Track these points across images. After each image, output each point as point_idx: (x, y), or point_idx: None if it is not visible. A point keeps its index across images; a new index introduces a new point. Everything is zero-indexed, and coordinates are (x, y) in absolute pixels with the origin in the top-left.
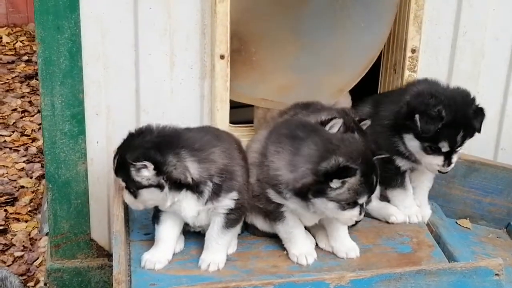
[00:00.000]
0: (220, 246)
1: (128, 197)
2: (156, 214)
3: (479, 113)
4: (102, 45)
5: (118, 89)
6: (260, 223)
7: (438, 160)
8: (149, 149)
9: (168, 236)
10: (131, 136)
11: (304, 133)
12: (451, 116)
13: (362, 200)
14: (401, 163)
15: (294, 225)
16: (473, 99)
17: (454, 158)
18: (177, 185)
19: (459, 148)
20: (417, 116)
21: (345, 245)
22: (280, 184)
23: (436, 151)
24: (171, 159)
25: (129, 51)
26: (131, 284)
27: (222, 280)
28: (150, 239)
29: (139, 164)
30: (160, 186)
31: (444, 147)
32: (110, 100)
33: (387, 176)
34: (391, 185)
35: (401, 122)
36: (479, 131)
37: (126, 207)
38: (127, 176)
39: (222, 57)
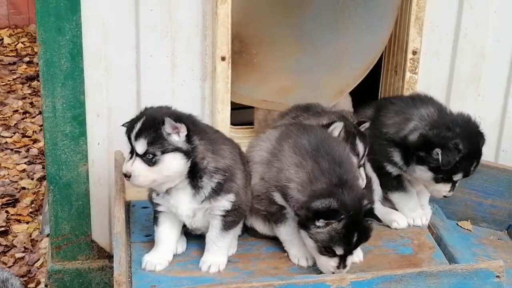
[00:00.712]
0: (220, 248)
1: (140, 166)
2: (155, 216)
3: (484, 140)
4: (103, 46)
5: (119, 91)
6: (260, 226)
7: (446, 187)
8: (182, 116)
9: (168, 237)
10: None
11: (323, 156)
12: (467, 149)
13: (338, 250)
14: (392, 169)
15: (296, 228)
16: (478, 126)
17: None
18: (191, 167)
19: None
20: (438, 151)
21: None
22: (288, 194)
23: (446, 180)
24: (196, 136)
25: (130, 53)
26: (131, 286)
27: (223, 282)
28: (151, 240)
29: (175, 124)
30: (187, 153)
31: (457, 177)
32: (111, 101)
33: (384, 180)
34: (389, 188)
35: (412, 152)
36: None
37: (127, 209)
38: (154, 138)
39: (223, 58)
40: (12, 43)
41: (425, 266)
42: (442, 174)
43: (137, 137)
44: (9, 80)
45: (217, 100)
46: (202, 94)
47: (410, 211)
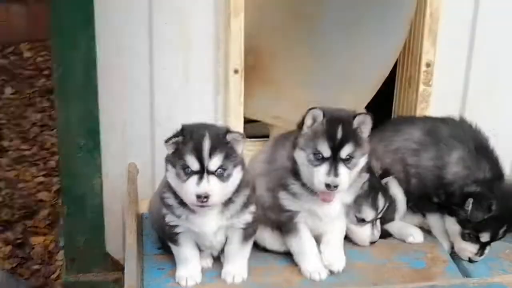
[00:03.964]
0: (242, 258)
1: (217, 184)
2: (172, 238)
3: None
4: (117, 59)
5: (133, 104)
6: (269, 242)
7: (473, 248)
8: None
9: (194, 253)
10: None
11: None
12: (500, 211)
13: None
14: (436, 200)
15: (307, 239)
16: None
17: (487, 250)
18: None
19: (498, 239)
20: (470, 201)
21: (332, 255)
22: (289, 178)
23: (473, 239)
24: None
25: (144, 66)
26: None
27: None
28: (163, 253)
29: (238, 136)
30: (243, 166)
31: (484, 237)
32: (125, 114)
33: (423, 202)
34: (428, 210)
35: (447, 201)
36: None
37: (140, 221)
38: (227, 153)
39: (236, 71)
40: (32, 56)
41: (438, 280)
42: (469, 230)
43: (211, 153)
44: (28, 93)
45: (230, 113)
46: (215, 107)
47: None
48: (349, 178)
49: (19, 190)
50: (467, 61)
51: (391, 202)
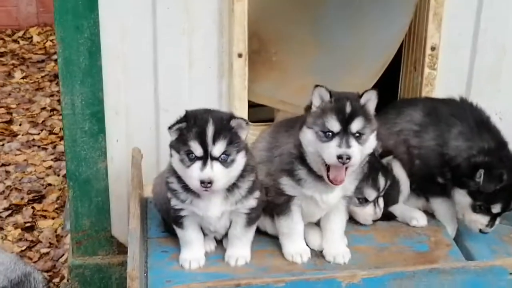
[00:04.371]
0: (245, 242)
1: (221, 169)
2: (177, 221)
3: None
4: (121, 44)
5: (137, 88)
6: (270, 227)
7: (484, 220)
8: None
9: (198, 237)
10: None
11: None
12: (510, 181)
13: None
14: (441, 180)
15: (298, 221)
16: None
17: (497, 221)
18: None
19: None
20: (481, 171)
21: (336, 248)
22: (295, 163)
23: (484, 211)
24: None
25: (148, 50)
26: (147, 281)
27: (235, 278)
28: (167, 236)
29: (242, 121)
30: (247, 151)
31: (496, 208)
32: (129, 98)
33: (427, 185)
34: (432, 194)
35: (454, 175)
36: None
37: (145, 204)
38: (231, 138)
39: (240, 55)
40: (41, 41)
41: (441, 263)
42: (481, 202)
43: (215, 139)
44: (37, 78)
45: (234, 97)
46: (219, 92)
47: (451, 219)
48: (360, 155)
49: (28, 174)
50: (472, 45)
51: (393, 182)
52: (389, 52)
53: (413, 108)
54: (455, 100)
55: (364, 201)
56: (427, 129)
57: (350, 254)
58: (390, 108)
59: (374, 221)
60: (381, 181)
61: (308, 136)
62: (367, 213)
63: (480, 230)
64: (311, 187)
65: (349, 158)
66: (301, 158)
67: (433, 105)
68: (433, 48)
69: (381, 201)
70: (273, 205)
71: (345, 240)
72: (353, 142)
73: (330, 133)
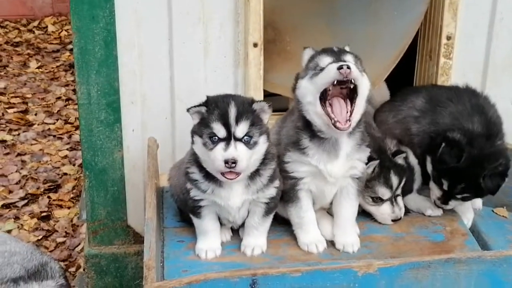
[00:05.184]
0: (261, 232)
1: (244, 150)
2: (195, 211)
3: (495, 177)
4: (137, 34)
5: (153, 78)
6: (281, 209)
7: (437, 192)
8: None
9: (215, 227)
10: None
11: None
12: (466, 167)
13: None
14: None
15: (307, 209)
16: (501, 164)
17: (449, 206)
18: None
19: (458, 196)
20: (443, 144)
21: (346, 237)
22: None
23: (437, 183)
24: None
25: (164, 40)
26: (164, 270)
27: (251, 267)
28: (183, 226)
29: (264, 105)
30: (269, 136)
31: (444, 184)
32: (145, 88)
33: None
34: None
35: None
36: (491, 193)
37: (161, 194)
38: (253, 120)
39: (255, 45)
40: (56, 30)
41: (457, 253)
42: (436, 172)
43: (238, 119)
44: (52, 68)
45: (250, 87)
46: (235, 81)
47: (467, 208)
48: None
49: (44, 164)
50: (488, 34)
51: (409, 175)
52: (405, 42)
53: (416, 95)
54: (459, 87)
55: (378, 200)
56: (425, 114)
57: (359, 244)
58: (396, 96)
59: (394, 221)
60: (394, 179)
61: (305, 85)
62: (384, 212)
63: (434, 202)
64: (314, 155)
65: None
66: (305, 125)
67: (436, 91)
68: (448, 38)
69: (400, 200)
70: (282, 192)
71: (357, 229)
72: None
73: None
